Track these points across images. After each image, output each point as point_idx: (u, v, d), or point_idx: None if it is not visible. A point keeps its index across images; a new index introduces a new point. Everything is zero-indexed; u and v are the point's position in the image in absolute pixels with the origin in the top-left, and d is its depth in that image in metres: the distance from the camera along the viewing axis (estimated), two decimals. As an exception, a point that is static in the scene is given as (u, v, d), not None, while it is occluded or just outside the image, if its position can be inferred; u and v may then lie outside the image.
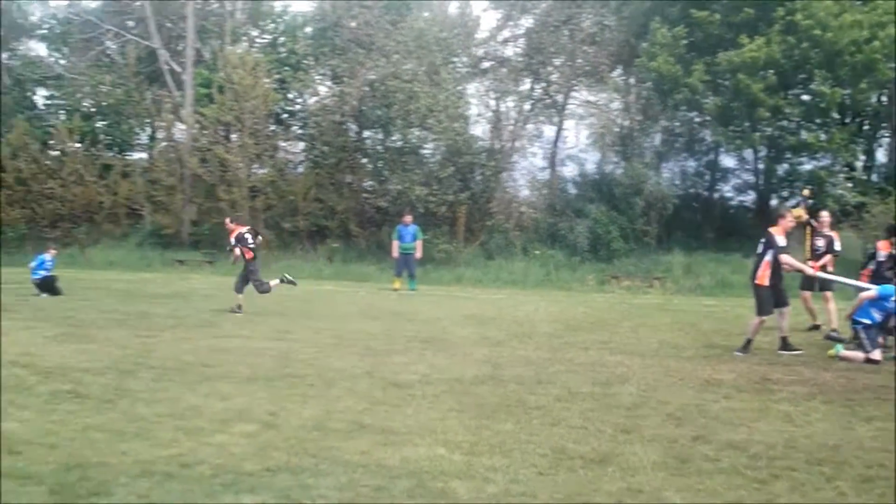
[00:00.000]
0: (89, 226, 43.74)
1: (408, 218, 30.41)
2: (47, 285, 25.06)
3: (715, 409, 10.67)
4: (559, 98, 40.49)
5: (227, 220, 23.37)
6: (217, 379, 11.94)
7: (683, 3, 35.33)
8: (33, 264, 25.98)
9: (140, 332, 16.90)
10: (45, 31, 51.83)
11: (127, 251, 42.03)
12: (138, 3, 46.90)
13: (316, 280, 34.02)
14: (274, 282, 22.49)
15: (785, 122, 34.86)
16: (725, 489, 7.48)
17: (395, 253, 30.11)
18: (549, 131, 41.54)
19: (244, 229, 22.42)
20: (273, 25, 46.24)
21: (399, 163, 37.99)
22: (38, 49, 52.09)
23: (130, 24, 48.15)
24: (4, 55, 51.78)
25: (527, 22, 40.40)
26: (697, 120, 37.70)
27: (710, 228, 36.59)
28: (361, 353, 14.61)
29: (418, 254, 30.16)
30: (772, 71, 33.13)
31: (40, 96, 50.99)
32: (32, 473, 7.33)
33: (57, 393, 10.72)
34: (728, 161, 39.07)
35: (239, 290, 21.73)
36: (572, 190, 40.01)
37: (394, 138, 39.90)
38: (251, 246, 22.05)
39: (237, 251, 21.94)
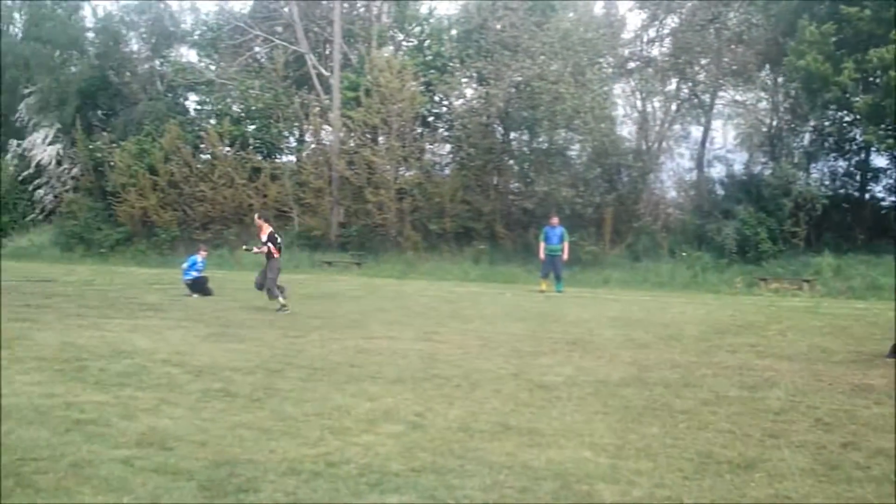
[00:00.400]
0: (239, 227, 44.68)
1: (554, 220, 30.49)
2: (198, 286, 25.70)
3: (865, 415, 10.45)
4: (706, 98, 40.07)
5: (256, 216, 24.04)
6: (364, 379, 12.08)
7: (832, 0, 34.65)
8: (185, 265, 26.71)
9: (289, 332, 17.23)
10: (195, 38, 52.83)
11: (276, 252, 42.65)
12: (286, 9, 47.53)
13: (462, 281, 34.32)
14: (283, 299, 22.40)
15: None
16: (876, 498, 7.32)
17: (542, 255, 30.10)
18: (695, 132, 41.19)
19: (271, 229, 22.64)
20: (419, 28, 46.52)
21: (545, 164, 38.08)
22: (189, 55, 53.42)
23: (278, 29, 49.00)
24: (157, 62, 53.00)
25: (672, 21, 40.05)
26: (847, 119, 36.96)
27: (861, 230, 35.93)
28: (507, 355, 14.64)
29: (565, 256, 30.14)
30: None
31: (192, 101, 52.34)
32: (183, 469, 7.51)
33: (207, 391, 10.97)
34: (879, 161, 38.25)
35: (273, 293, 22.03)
36: (720, 191, 39.66)
37: (540, 140, 40.03)
38: (280, 245, 22.58)
39: (266, 249, 22.17)
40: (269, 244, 22.24)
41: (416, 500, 6.92)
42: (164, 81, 51.41)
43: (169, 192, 45.93)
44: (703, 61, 38.91)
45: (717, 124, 41.57)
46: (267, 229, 22.56)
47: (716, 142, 41.83)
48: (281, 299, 21.79)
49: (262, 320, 19.48)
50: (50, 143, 53.64)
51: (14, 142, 55.78)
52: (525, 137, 42.37)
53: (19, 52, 57.53)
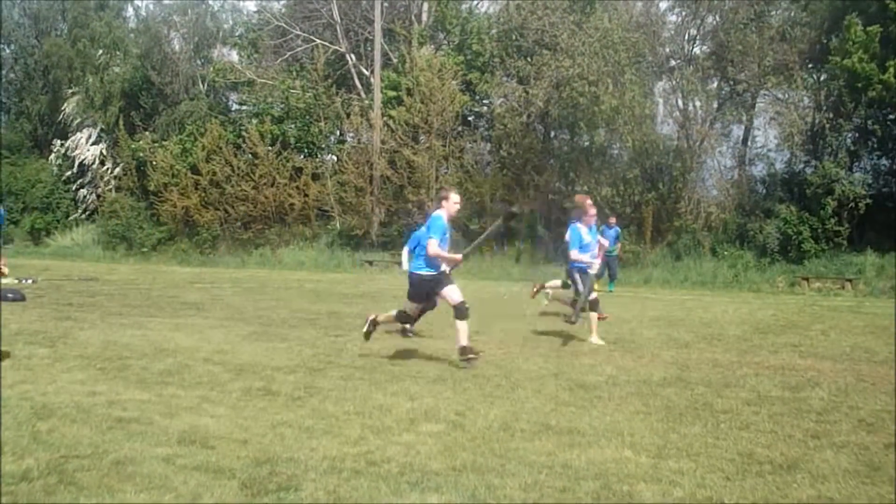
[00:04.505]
0: (280, 227, 44.82)
1: (612, 220, 30.25)
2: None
3: (909, 415, 10.39)
4: (747, 96, 39.79)
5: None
6: (405, 378, 12.07)
7: (880, -1, 34.48)
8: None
9: (330, 331, 17.21)
10: (236, 38, 53.23)
11: (317, 252, 43.15)
12: (326, 9, 47.61)
13: (504, 281, 34.21)
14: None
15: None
16: (920, 499, 7.27)
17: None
18: (737, 130, 40.99)
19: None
20: (459, 28, 46.42)
21: (586, 164, 37.95)
22: (231, 55, 53.50)
23: (319, 28, 48.95)
24: (198, 62, 53.39)
25: (714, 20, 39.77)
26: (891, 117, 36.66)
27: (905, 229, 35.55)
28: (546, 355, 14.60)
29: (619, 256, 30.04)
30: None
31: (233, 101, 52.45)
32: (225, 467, 7.55)
33: (249, 390, 11.01)
34: (925, 160, 37.90)
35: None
36: (762, 190, 39.37)
37: (580, 139, 39.90)
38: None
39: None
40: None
41: (456, 499, 6.91)
42: (206, 81, 51.75)
43: (210, 191, 46.25)
44: (745, 60, 38.64)
45: (758, 123, 41.30)
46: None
47: (758, 140, 41.59)
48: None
49: (303, 319, 19.56)
50: (93, 143, 54.23)
51: (58, 142, 56.41)
52: (565, 136, 42.40)
53: (64, 53, 58.19)
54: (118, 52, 56.21)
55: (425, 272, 13.34)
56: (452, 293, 13.19)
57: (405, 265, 17.57)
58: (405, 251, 18.65)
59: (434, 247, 12.93)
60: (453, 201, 13.27)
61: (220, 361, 13.20)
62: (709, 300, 27.16)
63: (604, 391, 11.42)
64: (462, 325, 12.72)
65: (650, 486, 7.30)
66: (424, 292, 13.56)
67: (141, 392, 10.72)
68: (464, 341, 12.69)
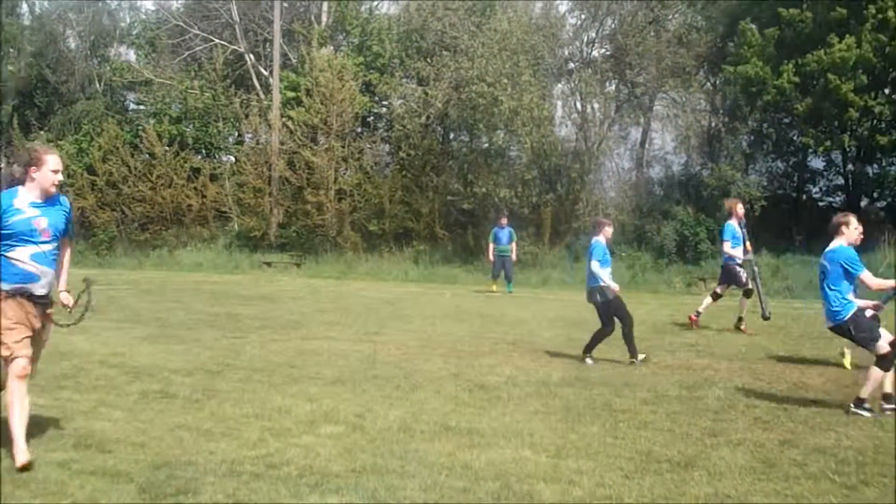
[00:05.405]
0: (178, 228, 44.29)
1: (503, 220, 30.47)
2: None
3: (803, 413, 10.60)
4: (645, 99, 40.16)
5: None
6: (304, 380, 12.12)
7: (773, 2, 34.89)
8: None
9: (228, 333, 17.13)
10: (134, 37, 52.54)
11: (215, 253, 42.66)
12: (225, 8, 47.22)
13: (402, 282, 34.27)
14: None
15: (875, 123, 34.26)
16: (813, 495, 7.46)
17: (491, 256, 30.14)
18: (635, 133, 41.33)
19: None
20: (359, 29, 46.27)
21: (485, 165, 38.03)
22: (128, 54, 52.80)
23: (218, 28, 48.52)
24: (95, 60, 52.62)
25: (612, 23, 40.08)
26: (786, 121, 37.18)
27: (799, 230, 36.08)
28: (447, 356, 14.72)
29: (513, 256, 30.15)
30: (861, 70, 32.66)
31: (130, 101, 51.72)
32: (122, 472, 7.50)
33: (146, 393, 10.96)
34: (816, 162, 38.51)
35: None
36: (659, 191, 39.74)
37: (479, 141, 39.99)
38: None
39: None
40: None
41: (356, 500, 6.97)
42: (103, 80, 51.00)
43: (107, 191, 45.46)
44: (643, 63, 38.98)
45: (656, 125, 41.71)
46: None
47: (655, 143, 42.05)
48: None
49: (201, 321, 19.40)
50: (-15, 142, 53.20)
51: (-52, 141, 55.33)
52: (465, 138, 42.47)
53: (-47, 50, 57.10)
54: (11, 50, 55.25)
55: (852, 312, 11.13)
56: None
57: (604, 280, 15.35)
58: (595, 266, 15.34)
59: (873, 278, 11.28)
60: (854, 227, 11.42)
61: (116, 364, 13.09)
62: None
63: (503, 392, 11.57)
64: (878, 374, 10.68)
65: (550, 486, 7.42)
66: (871, 325, 11.17)
67: (36, 396, 10.47)
68: (889, 388, 10.92)
